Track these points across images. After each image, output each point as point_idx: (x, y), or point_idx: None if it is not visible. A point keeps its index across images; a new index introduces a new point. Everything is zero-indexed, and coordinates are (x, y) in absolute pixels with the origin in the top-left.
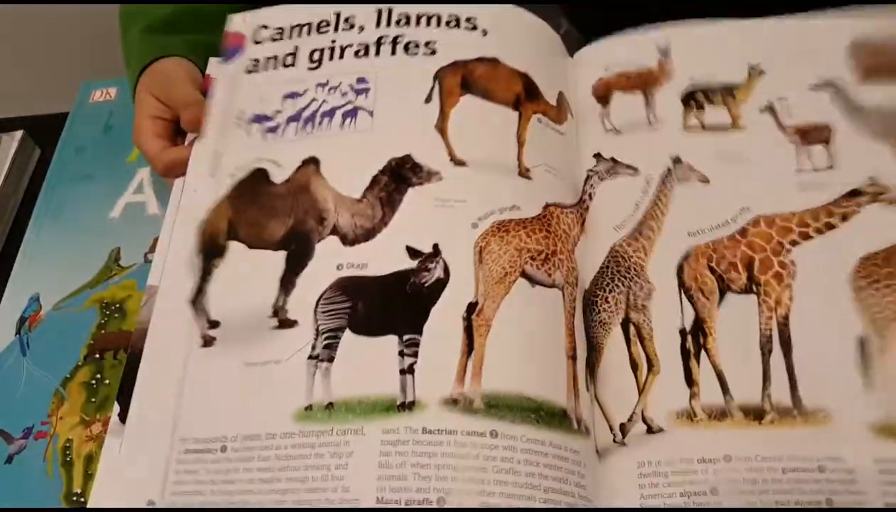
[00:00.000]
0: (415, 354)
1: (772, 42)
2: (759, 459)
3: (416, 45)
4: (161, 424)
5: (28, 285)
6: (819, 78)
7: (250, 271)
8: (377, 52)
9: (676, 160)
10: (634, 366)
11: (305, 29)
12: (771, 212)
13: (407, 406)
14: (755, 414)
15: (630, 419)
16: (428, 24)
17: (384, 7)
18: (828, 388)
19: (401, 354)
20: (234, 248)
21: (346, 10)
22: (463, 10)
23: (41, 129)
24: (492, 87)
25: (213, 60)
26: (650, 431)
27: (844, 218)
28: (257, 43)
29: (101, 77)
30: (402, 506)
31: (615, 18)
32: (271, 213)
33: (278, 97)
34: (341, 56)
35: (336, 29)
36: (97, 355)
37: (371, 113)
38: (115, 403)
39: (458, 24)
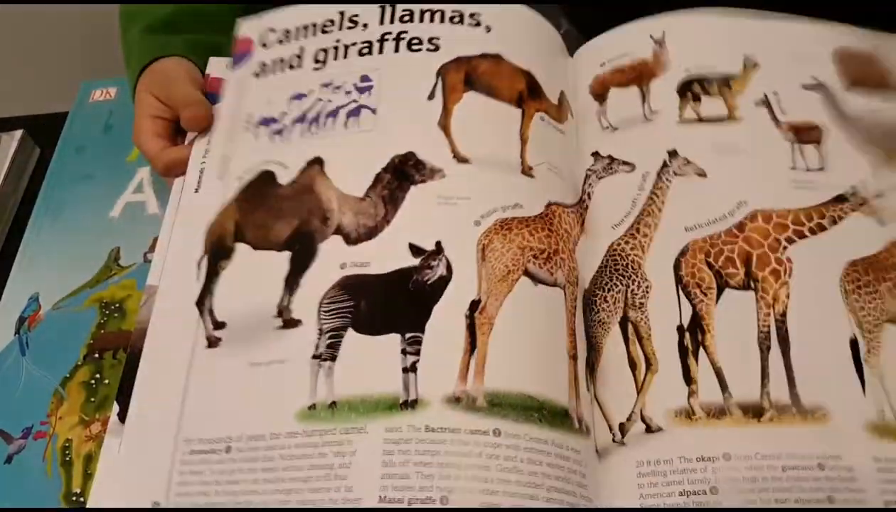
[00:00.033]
0: (417, 353)
1: (765, 38)
2: (759, 458)
3: (420, 42)
4: (163, 424)
5: (27, 285)
6: (811, 78)
7: (255, 272)
8: (381, 50)
9: (673, 153)
10: (633, 365)
11: (311, 29)
12: (768, 206)
13: (410, 405)
14: (754, 412)
15: (629, 419)
16: (431, 20)
17: (388, 4)
18: (825, 386)
19: (403, 352)
20: (240, 249)
21: (350, 8)
22: (467, 7)
23: (41, 128)
24: (495, 83)
25: (213, 60)
26: (649, 430)
27: (833, 221)
28: (265, 47)
29: (101, 77)
30: (405, 505)
31: (615, 18)
32: (277, 214)
33: (285, 99)
34: (345, 55)
35: (341, 28)
36: (96, 355)
37: (374, 111)
38: (115, 402)
39: (461, 21)
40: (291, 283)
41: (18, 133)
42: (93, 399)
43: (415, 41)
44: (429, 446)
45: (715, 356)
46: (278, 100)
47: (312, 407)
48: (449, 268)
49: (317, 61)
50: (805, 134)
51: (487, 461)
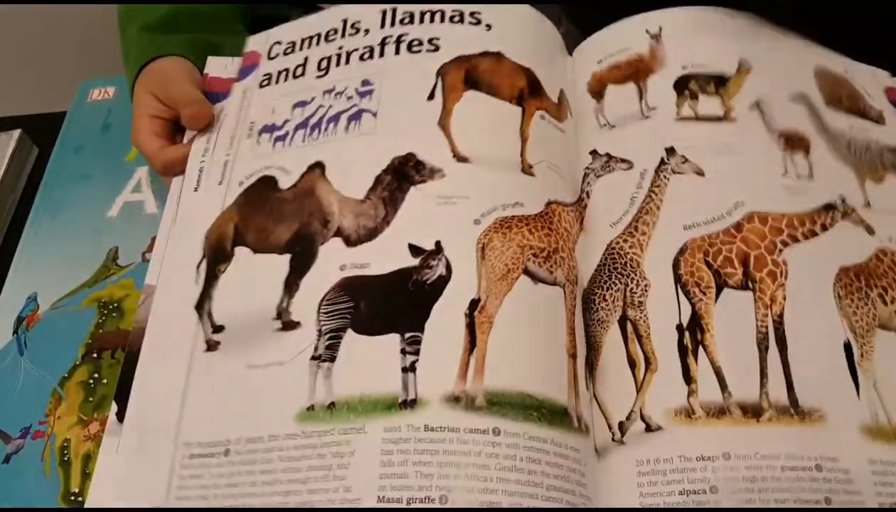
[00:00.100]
0: (417, 352)
1: (757, 44)
2: (758, 457)
3: (420, 43)
4: (162, 425)
5: (26, 285)
6: (797, 90)
7: (254, 275)
8: (381, 53)
9: (670, 151)
10: (632, 364)
11: (315, 39)
12: (763, 209)
13: (409, 404)
14: (754, 412)
15: (628, 418)
16: (431, 20)
17: (388, 7)
18: (821, 389)
19: (403, 352)
20: (239, 252)
21: (352, 15)
22: (467, 6)
23: (39, 128)
24: (496, 81)
25: (211, 59)
26: (649, 429)
27: (824, 228)
28: (271, 59)
29: (100, 76)
30: (404, 505)
31: (615, 18)
32: (278, 218)
33: (288, 107)
34: (347, 61)
35: (343, 35)
36: (95, 355)
37: (375, 114)
38: (113, 402)
39: (461, 20)
40: (291, 285)
41: (16, 132)
42: (91, 399)
43: (415, 43)
44: (428, 446)
45: (714, 356)
46: (282, 108)
47: (311, 408)
48: (448, 267)
49: (320, 69)
50: (794, 142)
51: (487, 460)
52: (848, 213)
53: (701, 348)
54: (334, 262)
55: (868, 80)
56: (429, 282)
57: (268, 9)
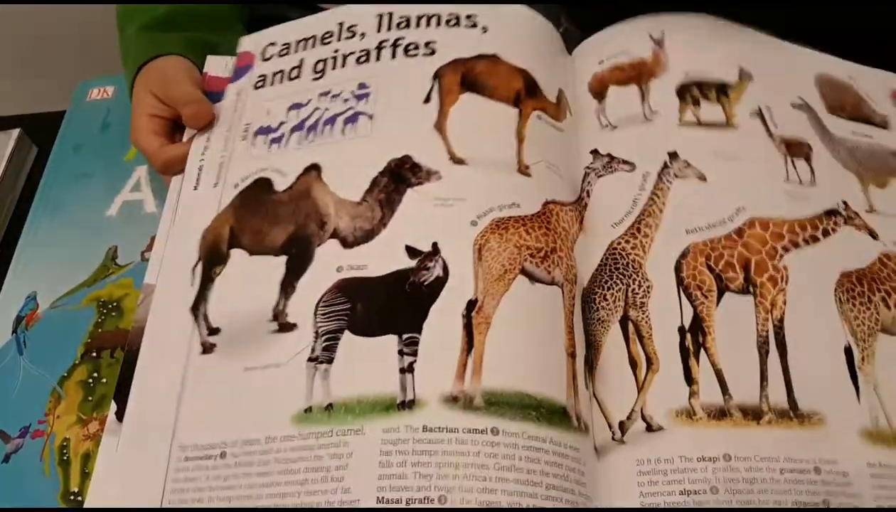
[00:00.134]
0: (414, 353)
1: (758, 53)
2: (758, 459)
3: (416, 47)
4: (159, 426)
5: (25, 284)
6: (797, 98)
7: (251, 277)
8: (378, 57)
9: (673, 155)
10: (633, 364)
11: (310, 42)
12: (765, 215)
13: (407, 405)
14: (754, 414)
15: (629, 417)
16: (428, 24)
17: (385, 12)
18: (821, 392)
19: (400, 353)
20: (235, 254)
21: (349, 18)
22: (463, 9)
23: (38, 127)
24: (492, 83)
25: (211, 58)
26: (650, 429)
27: (825, 234)
28: (266, 60)
29: (99, 75)
30: (403, 505)
31: (615, 17)
32: (273, 220)
33: (283, 109)
34: (343, 64)
35: (339, 38)
36: (94, 354)
37: (371, 117)
38: (113, 401)
39: (458, 23)
40: (287, 287)
41: (16, 132)
42: (90, 398)
43: (411, 46)
44: (426, 446)
45: (716, 358)
46: (277, 110)
47: (308, 410)
48: (445, 268)
49: (315, 71)
50: (796, 148)
51: (485, 460)
52: (851, 218)
53: (702, 350)
54: (331, 263)
55: (874, 84)
56: (426, 283)
57: (267, 9)
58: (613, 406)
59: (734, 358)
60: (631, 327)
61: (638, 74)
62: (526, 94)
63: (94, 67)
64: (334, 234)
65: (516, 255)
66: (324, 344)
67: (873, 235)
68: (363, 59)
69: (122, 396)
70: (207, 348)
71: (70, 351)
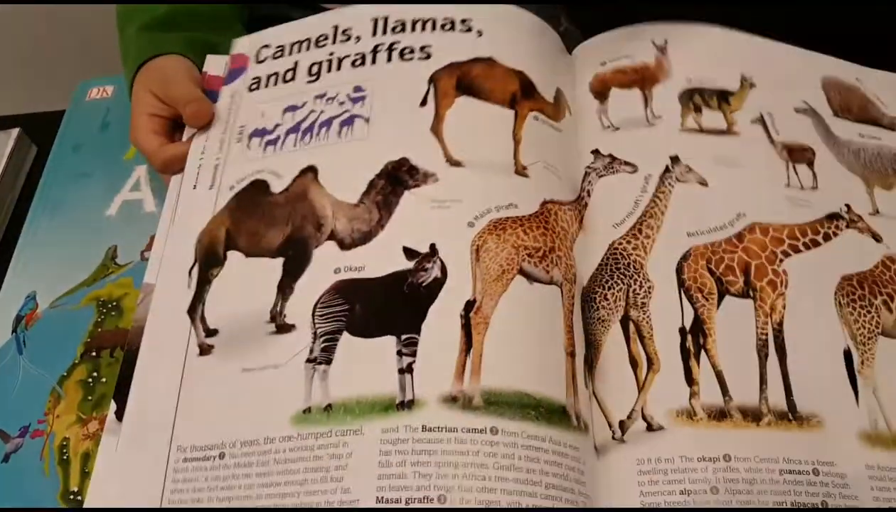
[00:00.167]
0: (413, 354)
1: (760, 60)
2: (758, 460)
3: (412, 51)
4: (158, 426)
5: (24, 283)
6: (802, 102)
7: (248, 278)
8: (373, 61)
9: (675, 159)
10: (634, 364)
11: (305, 44)
12: (765, 220)
13: (406, 405)
14: (753, 416)
15: (630, 416)
16: (423, 28)
17: (380, 15)
18: (820, 395)
19: (399, 353)
20: (232, 256)
21: (343, 22)
22: (458, 13)
23: (38, 126)
24: (488, 86)
25: (210, 57)
26: (650, 428)
27: (826, 238)
28: (260, 62)
29: (98, 75)
30: (403, 505)
31: (614, 17)
32: (270, 221)
33: (278, 111)
34: (339, 67)
35: (334, 42)
36: (94, 353)
37: (367, 120)
38: (112, 401)
39: (453, 27)
40: (284, 288)
41: (15, 131)
42: (90, 397)
43: (407, 50)
44: (426, 446)
45: (716, 359)
46: (272, 112)
47: (307, 410)
48: (443, 269)
49: (310, 74)
50: (798, 154)
51: (485, 459)
52: (854, 222)
53: (703, 352)
54: (328, 265)
55: (883, 85)
56: (424, 284)
57: (267, 9)
58: (613, 405)
59: (734, 360)
60: (632, 327)
61: (641, 79)
62: (522, 95)
63: (94, 67)
64: (332, 236)
65: (514, 255)
66: (322, 345)
67: (877, 238)
68: (358, 62)
69: (121, 395)
70: (205, 350)
71: (70, 350)
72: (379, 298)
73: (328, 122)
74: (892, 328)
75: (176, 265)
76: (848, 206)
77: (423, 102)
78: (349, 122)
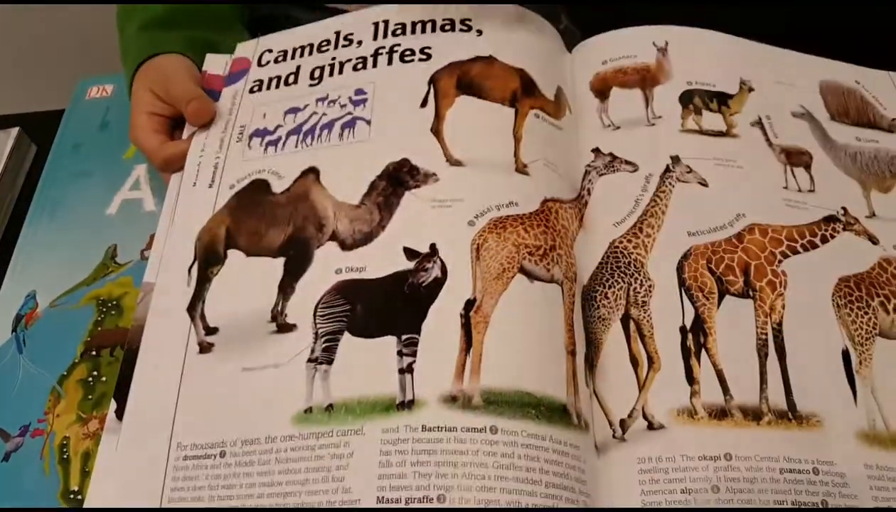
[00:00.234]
0: (413, 354)
1: (758, 64)
2: (759, 459)
3: (412, 53)
4: (158, 425)
5: (24, 283)
6: (799, 106)
7: (249, 277)
8: (374, 64)
9: (675, 159)
10: (635, 362)
11: (307, 49)
12: (764, 221)
13: (406, 405)
14: (754, 415)
15: (630, 415)
16: (423, 30)
17: (381, 20)
18: (819, 395)
19: (399, 353)
20: (233, 255)
21: (345, 27)
22: (458, 13)
23: (37, 125)
24: (488, 84)
25: (210, 56)
26: (651, 427)
27: (824, 240)
28: (262, 66)
29: (98, 74)
30: (403, 505)
31: (615, 16)
32: (271, 221)
33: (280, 113)
34: (340, 71)
35: (336, 46)
36: (94, 352)
37: (369, 122)
38: (112, 400)
39: (452, 28)
40: (286, 288)
41: (15, 130)
42: (90, 397)
43: (407, 53)
44: (426, 446)
45: (717, 359)
46: (273, 113)
47: (309, 410)
48: (444, 269)
49: (312, 78)
50: (796, 157)
51: (484, 458)
52: (850, 224)
53: (703, 351)
54: (330, 265)
55: (882, 87)
56: (424, 284)
57: (268, 9)
58: (614, 404)
59: (734, 359)
60: (632, 326)
61: (642, 79)
62: (523, 93)
63: (94, 66)
64: (333, 237)
65: (514, 253)
66: (323, 345)
67: (873, 240)
68: (360, 65)
69: (122, 394)
70: (205, 348)
71: (70, 350)
72: (379, 298)
73: (330, 124)
74: (889, 329)
75: (176, 264)
76: (844, 208)
77: (424, 103)
78: (350, 124)
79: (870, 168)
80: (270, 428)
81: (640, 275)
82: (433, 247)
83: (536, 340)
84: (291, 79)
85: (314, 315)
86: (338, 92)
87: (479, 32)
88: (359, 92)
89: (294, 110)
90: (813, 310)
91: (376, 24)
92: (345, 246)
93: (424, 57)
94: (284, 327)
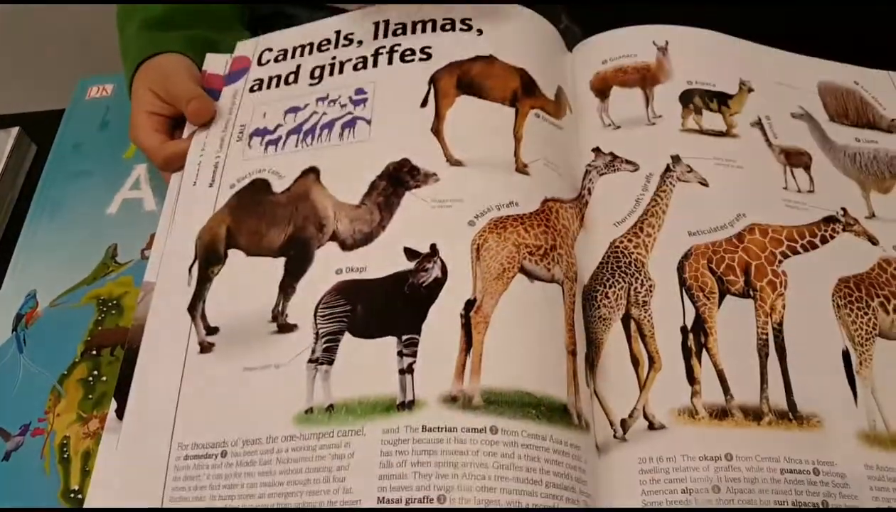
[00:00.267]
0: (414, 355)
1: (757, 65)
2: (759, 459)
3: (412, 52)
4: (159, 424)
5: (25, 282)
6: (798, 108)
7: (250, 277)
8: (375, 63)
9: (676, 159)
10: (636, 362)
11: (307, 48)
12: (764, 221)
13: (406, 405)
14: (754, 415)
15: (631, 415)
16: (423, 30)
17: (381, 19)
18: (819, 395)
19: (400, 354)
20: (234, 254)
21: (345, 27)
22: (458, 12)
23: (38, 125)
24: (488, 84)
25: (210, 56)
26: (652, 427)
27: (823, 240)
28: (262, 65)
29: (98, 73)
30: (403, 505)
31: (615, 16)
32: (271, 221)
33: (280, 112)
34: (341, 71)
35: (336, 46)
36: (94, 352)
37: (369, 122)
38: (113, 399)
39: (453, 27)
40: (286, 288)
41: (15, 130)
42: (90, 396)
43: (407, 52)
44: (426, 446)
45: (718, 358)
46: (273, 113)
47: (309, 410)
48: (444, 269)
49: (312, 77)
50: (795, 158)
51: (484, 458)
52: (850, 225)
53: (704, 351)
54: (330, 265)
55: (882, 87)
56: (425, 284)
57: (268, 8)
58: (615, 404)
59: (735, 359)
60: (633, 326)
61: (642, 78)
62: (523, 92)
63: (94, 65)
64: (333, 237)
65: (515, 253)
66: (324, 345)
67: (873, 241)
68: (360, 65)
69: (122, 394)
70: (205, 348)
71: (70, 349)
72: (380, 298)
73: (330, 124)
74: (889, 329)
75: (176, 263)
76: (844, 209)
77: (424, 103)
78: (351, 123)
79: (869, 169)
80: (271, 428)
81: (640, 274)
82: (433, 247)
83: (537, 340)
84: (291, 78)
85: (315, 315)
86: (338, 91)
87: (480, 32)
88: (359, 91)
89: (294, 110)
90: (813, 310)
91: (377, 24)
92: (345, 246)
93: (425, 56)
94: (285, 327)
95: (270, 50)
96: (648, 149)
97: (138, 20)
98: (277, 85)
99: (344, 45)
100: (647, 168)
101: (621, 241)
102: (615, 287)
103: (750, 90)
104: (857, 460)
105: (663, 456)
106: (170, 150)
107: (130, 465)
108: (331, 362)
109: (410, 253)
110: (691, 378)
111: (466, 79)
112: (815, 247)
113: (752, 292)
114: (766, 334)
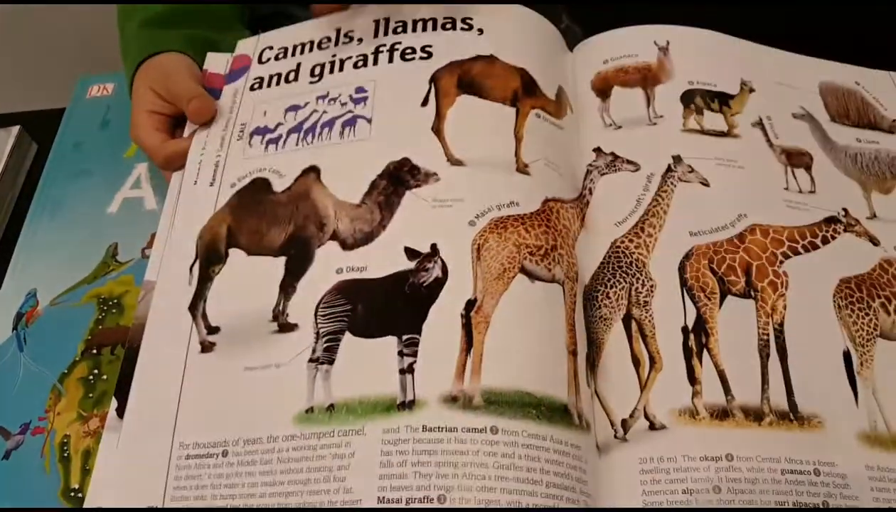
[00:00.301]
0: (414, 354)
1: (758, 65)
2: (760, 460)
3: (413, 51)
4: (160, 424)
5: (25, 281)
6: (799, 108)
7: (250, 277)
8: (375, 62)
9: (677, 159)
10: (636, 362)
11: (307, 46)
12: (765, 222)
13: (407, 405)
14: (755, 415)
15: (632, 415)
16: (424, 28)
17: (381, 17)
18: (820, 396)
19: (400, 354)
20: (234, 254)
21: (345, 25)
22: (459, 11)
23: (38, 124)
24: (489, 84)
25: (210, 55)
26: (652, 427)
27: (825, 241)
28: (262, 63)
29: (99, 72)
30: (403, 505)
31: (616, 16)
32: (272, 220)
33: (280, 111)
34: (341, 69)
35: (336, 44)
36: (94, 351)
37: (369, 120)
38: (113, 398)
39: (454, 26)
40: (287, 287)
41: (15, 129)
42: (91, 395)
43: (408, 51)
44: (426, 446)
45: (719, 359)
46: (274, 111)
47: (310, 410)
48: (444, 269)
49: (313, 75)
50: (796, 158)
51: (485, 458)
52: (851, 225)
53: (705, 351)
54: (331, 265)
55: (883, 87)
56: (425, 284)
57: (268, 8)
58: (616, 404)
59: (736, 359)
60: (634, 326)
61: (643, 78)
62: (524, 92)
63: (94, 64)
64: (334, 236)
65: (515, 253)
66: (324, 345)
67: (874, 242)
68: (361, 63)
69: (123, 393)
70: (206, 347)
71: (70, 348)
72: (380, 298)
73: (330, 123)
74: (890, 330)
75: (177, 262)
76: (845, 210)
77: (425, 102)
78: (351, 122)
79: (870, 169)
80: (272, 427)
81: (641, 275)
82: (434, 247)
83: (537, 341)
84: (292, 76)
85: (315, 315)
86: (338, 90)
87: (481, 31)
88: (359, 90)
89: (295, 108)
90: (814, 311)
91: (377, 22)
92: (346, 245)
93: (425, 55)
94: (286, 327)
95: (271, 48)
96: (650, 149)
97: (138, 19)
98: (278, 83)
99: (344, 43)
100: (649, 168)
101: (622, 242)
102: (616, 287)
103: (751, 90)
104: (857, 461)
105: (664, 456)
106: (170, 149)
107: (131, 464)
108: (331, 362)
109: (411, 253)
110: (692, 378)
111: (467, 78)
112: (816, 247)
113: (753, 293)
114: (767, 335)
